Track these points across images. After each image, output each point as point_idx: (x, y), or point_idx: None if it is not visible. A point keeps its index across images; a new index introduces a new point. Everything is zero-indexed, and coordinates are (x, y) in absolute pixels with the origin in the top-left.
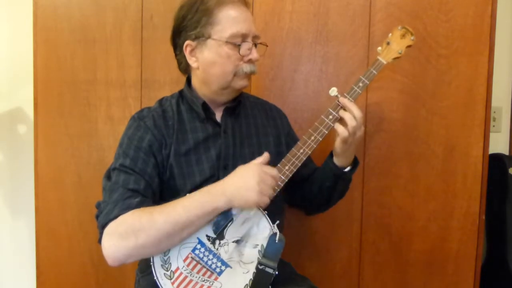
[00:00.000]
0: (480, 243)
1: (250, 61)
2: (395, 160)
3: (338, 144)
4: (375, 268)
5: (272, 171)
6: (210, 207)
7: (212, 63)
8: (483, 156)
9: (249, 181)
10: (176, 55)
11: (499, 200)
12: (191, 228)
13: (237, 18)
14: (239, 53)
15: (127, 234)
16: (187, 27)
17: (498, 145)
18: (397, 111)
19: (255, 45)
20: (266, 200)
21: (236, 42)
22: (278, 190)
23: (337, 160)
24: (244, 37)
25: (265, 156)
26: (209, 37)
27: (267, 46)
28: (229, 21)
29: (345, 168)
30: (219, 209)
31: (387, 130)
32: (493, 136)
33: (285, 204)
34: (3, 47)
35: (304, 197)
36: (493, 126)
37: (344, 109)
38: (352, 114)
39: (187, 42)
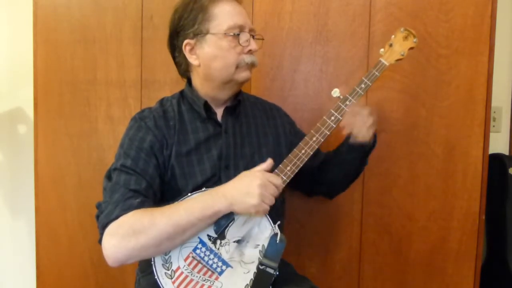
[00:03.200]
0: (480, 243)
1: (250, 52)
2: (395, 160)
3: (364, 137)
4: (375, 268)
5: (276, 179)
6: (211, 210)
7: (214, 57)
8: (483, 156)
9: (251, 186)
10: (175, 58)
11: (499, 200)
12: (192, 231)
13: (232, 11)
14: (239, 43)
15: (128, 235)
16: (184, 27)
17: (498, 145)
18: (397, 111)
19: (253, 37)
20: (265, 207)
21: (234, 33)
22: (280, 191)
23: (359, 141)
24: (241, 28)
25: (269, 162)
26: (207, 32)
27: (263, 39)
28: (225, 14)
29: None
30: (220, 212)
31: (387, 130)
32: (493, 136)
33: (286, 204)
34: (3, 47)
35: (332, 180)
36: (493, 126)
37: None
38: (363, 117)
39: (186, 41)
